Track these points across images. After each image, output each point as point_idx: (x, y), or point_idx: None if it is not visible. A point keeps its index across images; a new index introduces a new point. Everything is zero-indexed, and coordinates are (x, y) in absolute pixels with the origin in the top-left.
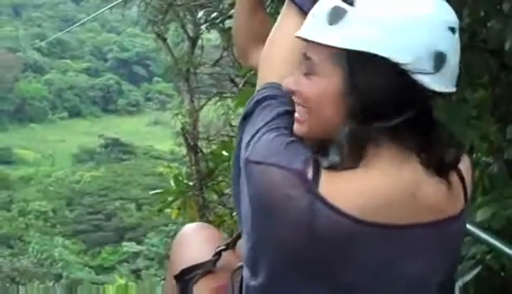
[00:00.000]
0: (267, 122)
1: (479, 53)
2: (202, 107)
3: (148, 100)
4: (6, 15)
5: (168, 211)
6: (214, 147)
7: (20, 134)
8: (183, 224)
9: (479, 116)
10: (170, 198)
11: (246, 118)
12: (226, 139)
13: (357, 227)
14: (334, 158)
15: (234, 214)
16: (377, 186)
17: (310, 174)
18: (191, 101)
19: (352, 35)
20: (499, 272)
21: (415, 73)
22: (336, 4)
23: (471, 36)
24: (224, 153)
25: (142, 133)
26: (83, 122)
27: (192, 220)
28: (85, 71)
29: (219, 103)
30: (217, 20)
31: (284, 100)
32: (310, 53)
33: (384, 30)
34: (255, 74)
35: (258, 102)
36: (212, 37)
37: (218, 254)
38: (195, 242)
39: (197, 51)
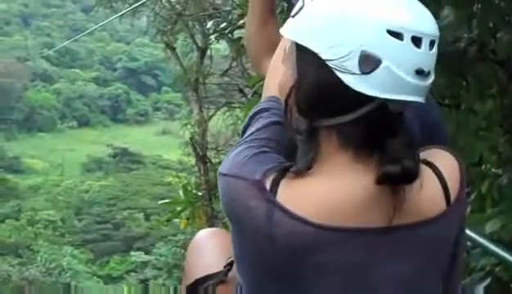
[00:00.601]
0: (248, 136)
1: (488, 64)
2: (211, 117)
3: (156, 109)
4: (15, 24)
5: (176, 220)
6: (223, 157)
7: (28, 143)
8: (191, 234)
9: (488, 127)
10: (179, 208)
11: (244, 132)
12: None
13: (318, 233)
14: (298, 161)
15: None
16: (337, 191)
17: (268, 184)
18: (200, 111)
19: (296, 27)
20: (508, 283)
21: (340, 71)
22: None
23: (480, 47)
24: None
25: (151, 143)
26: (92, 132)
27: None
28: (94, 80)
29: (228, 113)
30: (227, 31)
31: (277, 111)
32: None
33: (318, 25)
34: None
35: (253, 116)
36: (221, 47)
37: (230, 264)
38: (208, 249)
39: (206, 61)
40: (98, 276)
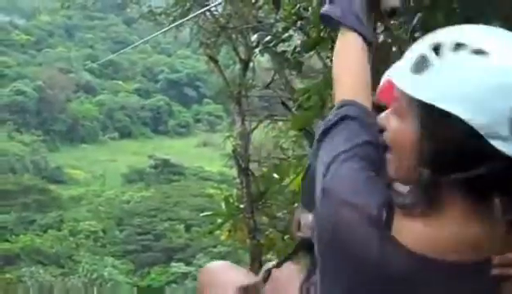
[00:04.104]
0: (347, 150)
1: None
2: (254, 129)
3: (197, 121)
4: (58, 36)
5: (216, 232)
6: (265, 170)
7: (71, 154)
8: (233, 246)
9: None
10: (220, 220)
11: (325, 134)
12: (277, 161)
13: (425, 267)
14: (405, 199)
15: (285, 237)
16: (447, 234)
17: (384, 217)
18: (243, 124)
19: (428, 88)
20: None
21: (490, 136)
22: (423, 53)
23: None
24: (275, 175)
25: (192, 154)
26: (134, 143)
27: (242, 242)
28: (136, 92)
29: (270, 125)
30: (271, 44)
31: (363, 122)
32: (399, 94)
33: (464, 92)
34: (308, 98)
35: (337, 122)
36: (263, 59)
37: (268, 273)
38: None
39: (248, 74)
40: (139, 287)
